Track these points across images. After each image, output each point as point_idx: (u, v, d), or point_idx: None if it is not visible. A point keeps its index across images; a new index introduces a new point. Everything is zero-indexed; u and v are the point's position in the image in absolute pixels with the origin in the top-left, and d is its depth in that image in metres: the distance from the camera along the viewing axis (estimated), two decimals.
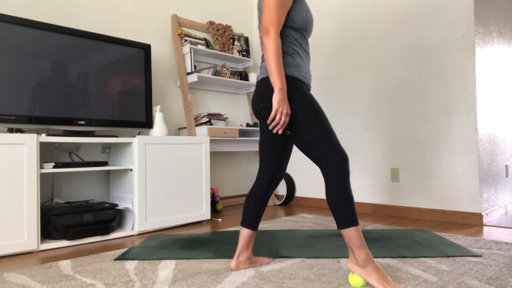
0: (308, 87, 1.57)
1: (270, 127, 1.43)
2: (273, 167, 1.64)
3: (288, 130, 1.50)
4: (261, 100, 1.53)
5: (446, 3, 2.70)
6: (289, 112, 1.42)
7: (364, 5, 3.18)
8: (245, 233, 1.63)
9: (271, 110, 1.48)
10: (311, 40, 3.58)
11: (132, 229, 2.46)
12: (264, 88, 1.52)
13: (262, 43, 1.44)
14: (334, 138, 1.44)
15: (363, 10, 3.18)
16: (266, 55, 1.42)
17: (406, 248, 1.90)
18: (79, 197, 2.67)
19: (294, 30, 1.53)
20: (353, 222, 1.38)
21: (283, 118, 1.41)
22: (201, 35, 3.62)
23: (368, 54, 3.15)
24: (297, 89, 1.49)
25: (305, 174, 3.62)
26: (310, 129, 1.44)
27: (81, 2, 2.80)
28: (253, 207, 1.64)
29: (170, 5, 3.37)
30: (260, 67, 1.61)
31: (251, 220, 1.63)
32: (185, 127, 3.28)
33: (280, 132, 1.43)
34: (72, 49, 2.39)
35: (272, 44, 1.41)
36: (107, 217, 2.34)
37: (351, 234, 1.38)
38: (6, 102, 2.13)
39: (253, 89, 3.78)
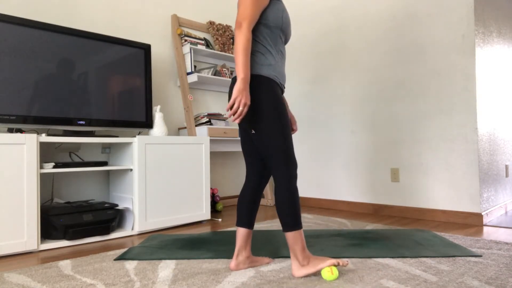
0: (281, 88, 1.60)
1: (228, 115, 1.46)
2: (258, 166, 1.68)
3: (252, 129, 1.52)
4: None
5: (446, 3, 2.70)
6: (248, 103, 1.44)
7: (364, 5, 3.18)
8: (241, 232, 1.64)
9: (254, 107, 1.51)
10: (310, 38, 3.58)
11: (132, 229, 2.46)
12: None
13: (234, 35, 1.48)
14: (290, 144, 1.52)
15: (363, 10, 3.18)
16: (235, 47, 1.45)
17: (406, 248, 1.90)
18: (79, 197, 2.67)
19: (267, 28, 1.56)
20: (298, 226, 1.49)
21: (241, 108, 1.42)
22: (201, 35, 3.62)
23: (368, 54, 3.15)
24: (268, 89, 1.51)
25: (305, 174, 3.62)
26: (271, 131, 1.49)
27: (81, 2, 2.80)
28: (246, 206, 1.66)
29: (170, 5, 3.37)
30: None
31: (246, 219, 1.65)
32: (185, 127, 3.28)
33: (237, 121, 1.45)
34: (72, 49, 2.39)
35: (242, 37, 1.44)
36: (107, 217, 2.34)
37: (296, 237, 1.48)
38: (6, 102, 2.13)
39: None
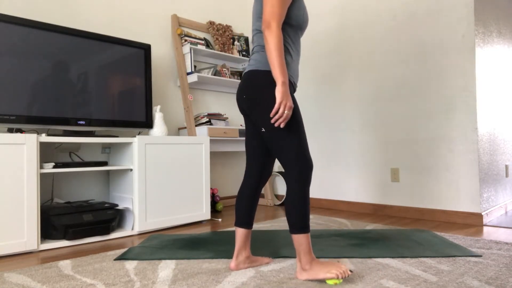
0: (294, 87, 1.59)
1: (272, 120, 1.43)
2: (260, 164, 1.66)
3: (263, 127, 1.50)
4: (248, 92, 1.52)
5: (446, 3, 2.70)
6: (292, 105, 1.42)
7: (364, 5, 3.18)
8: (240, 232, 1.64)
9: (259, 104, 1.49)
10: (311, 38, 3.58)
11: (132, 229, 2.46)
12: (254, 79, 1.51)
13: (264, 36, 1.43)
14: (305, 145, 1.48)
15: (364, 10, 3.18)
16: (268, 49, 1.41)
17: (406, 248, 1.90)
18: (79, 197, 2.67)
19: (290, 27, 1.53)
20: (305, 229, 1.46)
21: (286, 111, 1.40)
22: (201, 35, 3.62)
23: (368, 54, 3.15)
24: None
25: None
26: (286, 133, 1.46)
27: (81, 2, 2.80)
28: (245, 205, 1.64)
29: (170, 5, 3.37)
30: (249, 59, 1.59)
31: (244, 219, 1.64)
32: (185, 127, 3.28)
33: (282, 125, 1.43)
34: (72, 49, 2.39)
35: (275, 38, 1.40)
36: (107, 217, 2.34)
37: (301, 240, 1.45)
38: (6, 102, 2.13)
39: None
